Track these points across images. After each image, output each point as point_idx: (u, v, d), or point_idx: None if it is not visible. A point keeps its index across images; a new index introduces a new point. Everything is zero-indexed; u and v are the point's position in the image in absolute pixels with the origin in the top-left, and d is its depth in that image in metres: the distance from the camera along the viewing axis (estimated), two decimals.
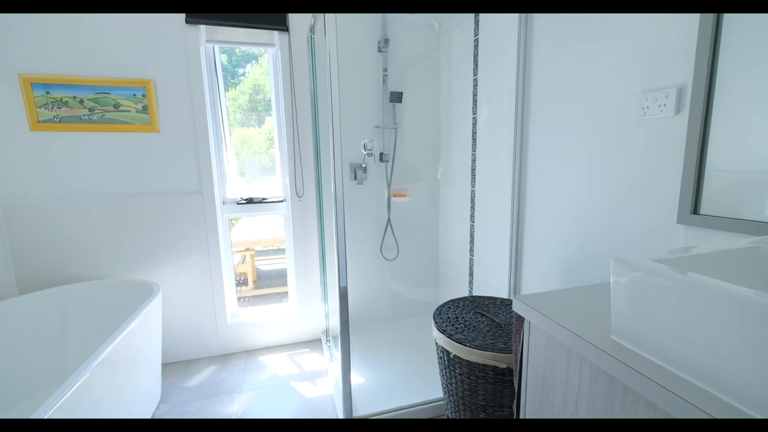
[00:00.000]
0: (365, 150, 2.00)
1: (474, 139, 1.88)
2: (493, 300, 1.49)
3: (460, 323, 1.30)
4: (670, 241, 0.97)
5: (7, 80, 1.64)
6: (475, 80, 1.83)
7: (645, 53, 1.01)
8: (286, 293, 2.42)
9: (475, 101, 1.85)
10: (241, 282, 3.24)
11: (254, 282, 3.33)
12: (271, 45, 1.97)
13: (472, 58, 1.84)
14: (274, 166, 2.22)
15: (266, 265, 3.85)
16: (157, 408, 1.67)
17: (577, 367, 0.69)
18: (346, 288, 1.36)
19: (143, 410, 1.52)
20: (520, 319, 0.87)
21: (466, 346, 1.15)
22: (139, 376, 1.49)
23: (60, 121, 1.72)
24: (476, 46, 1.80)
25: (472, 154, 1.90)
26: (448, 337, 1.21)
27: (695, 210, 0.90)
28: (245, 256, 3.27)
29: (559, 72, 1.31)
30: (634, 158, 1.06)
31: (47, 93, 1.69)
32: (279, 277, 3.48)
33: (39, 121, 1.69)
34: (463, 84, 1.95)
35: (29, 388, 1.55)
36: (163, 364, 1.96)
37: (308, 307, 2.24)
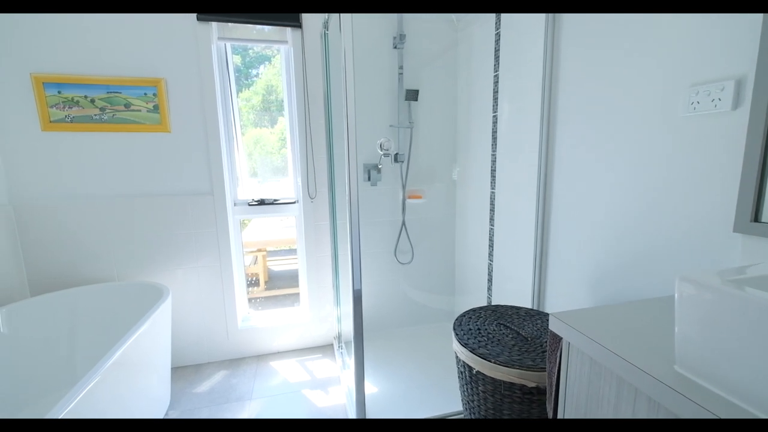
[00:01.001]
0: (381, 150, 1.93)
1: (494, 138, 1.79)
2: (516, 310, 1.40)
3: (483, 336, 1.21)
4: (724, 252, 0.87)
5: (20, 80, 1.62)
6: (496, 76, 1.73)
7: (693, 44, 0.91)
8: (297, 294, 2.37)
9: (495, 99, 1.76)
10: (253, 283, 3.21)
11: (266, 283, 3.29)
12: (284, 42, 1.91)
13: (493, 54, 1.74)
14: (287, 166, 2.17)
15: (278, 265, 3.82)
16: (166, 414, 1.63)
17: (630, 400, 0.60)
18: (360, 291, 1.29)
19: (152, 416, 1.48)
20: (557, 338, 0.78)
21: (490, 361, 1.07)
22: (148, 380, 1.45)
23: (71, 121, 1.69)
24: (497, 41, 1.71)
25: (492, 155, 1.81)
26: (470, 351, 1.12)
27: (756, 217, 0.80)
28: (257, 256, 3.23)
29: (591, 65, 1.21)
30: (680, 159, 0.96)
31: (59, 92, 1.66)
32: (291, 278, 3.43)
33: (50, 121, 1.67)
34: (483, 81, 1.86)
35: (38, 391, 1.53)
36: (172, 368, 1.92)
37: (320, 311, 2.18)
